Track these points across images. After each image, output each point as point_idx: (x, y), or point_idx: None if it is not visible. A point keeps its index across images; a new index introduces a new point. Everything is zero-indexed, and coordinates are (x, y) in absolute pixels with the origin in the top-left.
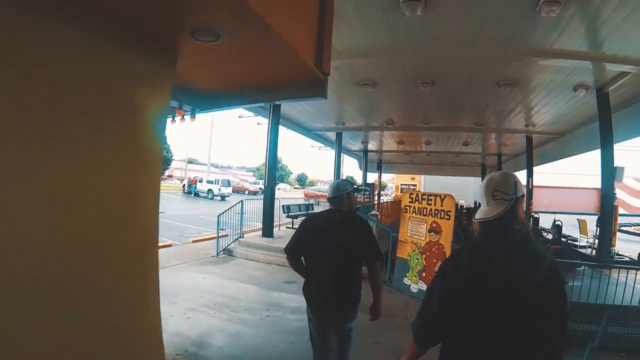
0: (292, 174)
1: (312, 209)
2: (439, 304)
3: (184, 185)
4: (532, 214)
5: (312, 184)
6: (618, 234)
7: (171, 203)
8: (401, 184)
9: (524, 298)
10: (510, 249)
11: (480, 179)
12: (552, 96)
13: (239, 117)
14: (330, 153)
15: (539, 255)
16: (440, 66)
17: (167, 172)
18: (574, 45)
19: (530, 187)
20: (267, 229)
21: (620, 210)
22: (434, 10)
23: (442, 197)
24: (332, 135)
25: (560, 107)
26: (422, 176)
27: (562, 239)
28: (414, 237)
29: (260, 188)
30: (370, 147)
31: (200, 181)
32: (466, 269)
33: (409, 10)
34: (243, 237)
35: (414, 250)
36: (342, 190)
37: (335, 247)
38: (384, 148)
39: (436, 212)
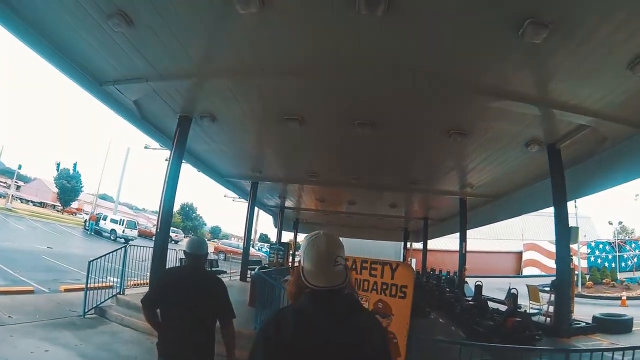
0: (206, 225)
1: (217, 265)
2: None
3: (85, 220)
4: (466, 280)
5: (225, 237)
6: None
7: (66, 239)
8: None
9: None
10: (342, 320)
11: (401, 243)
12: (503, 151)
13: (145, 147)
14: (245, 206)
15: (367, 326)
16: (384, 102)
17: (76, 205)
18: (526, 89)
19: (464, 251)
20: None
21: (537, 271)
22: (395, 12)
23: (394, 267)
24: (247, 185)
25: (508, 164)
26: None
27: (519, 309)
28: None
29: (169, 236)
30: (288, 203)
31: (104, 219)
32: (291, 337)
33: (366, 9)
34: (123, 293)
35: None
36: (206, 250)
37: (193, 304)
38: (303, 205)
39: (384, 287)
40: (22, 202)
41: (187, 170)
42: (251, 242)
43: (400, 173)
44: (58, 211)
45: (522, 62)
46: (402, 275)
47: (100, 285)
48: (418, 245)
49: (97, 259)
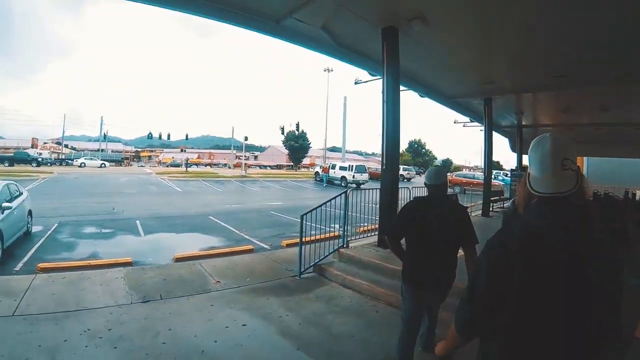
0: (436, 158)
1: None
2: (485, 284)
3: (316, 172)
4: None
5: (457, 169)
6: None
7: (298, 192)
8: None
9: (583, 284)
10: (570, 228)
11: None
12: None
13: (355, 83)
14: (477, 132)
15: (599, 236)
16: None
17: (307, 161)
18: None
19: None
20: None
21: None
22: None
23: None
24: (479, 104)
25: None
26: (586, 159)
27: None
28: None
29: (400, 175)
30: (525, 120)
31: (333, 167)
32: (515, 247)
33: None
34: (347, 246)
35: None
36: (444, 178)
37: (438, 232)
38: (542, 121)
39: None
40: (260, 168)
41: (409, 100)
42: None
43: None
44: (293, 169)
45: None
46: None
47: (322, 236)
48: None
49: (309, 212)
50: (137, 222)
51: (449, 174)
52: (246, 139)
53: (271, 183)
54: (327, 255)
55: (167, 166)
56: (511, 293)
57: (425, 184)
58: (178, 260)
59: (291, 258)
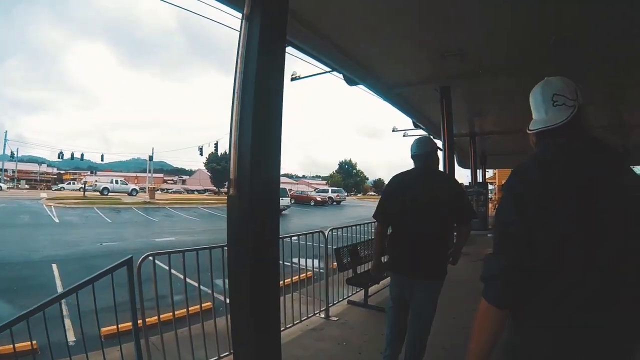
0: (368, 179)
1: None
2: (514, 221)
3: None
4: None
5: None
6: None
7: (203, 223)
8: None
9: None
10: (579, 156)
11: None
12: None
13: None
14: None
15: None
16: None
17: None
18: None
19: None
20: None
21: None
22: None
23: None
24: (430, 96)
25: None
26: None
27: None
28: None
29: (329, 197)
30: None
31: None
32: (533, 175)
33: None
34: None
35: None
36: (435, 146)
37: (427, 207)
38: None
39: None
40: (188, 192)
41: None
42: None
43: None
44: (216, 194)
45: None
46: None
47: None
48: None
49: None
50: None
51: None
52: (151, 158)
53: (178, 211)
54: None
55: (80, 190)
56: (541, 227)
57: (411, 156)
58: None
59: None
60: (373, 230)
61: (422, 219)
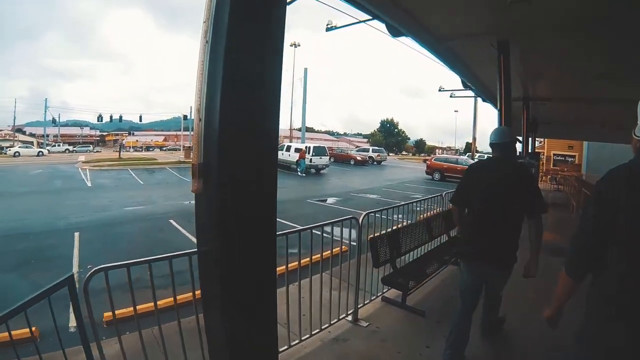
0: (409, 139)
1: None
2: (594, 222)
3: None
4: None
5: (430, 150)
6: None
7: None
8: (554, 155)
9: None
10: None
11: None
12: None
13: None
14: (450, 111)
15: None
16: None
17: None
18: None
19: None
20: None
21: None
22: None
23: None
24: (483, 52)
25: None
26: (586, 144)
27: None
28: None
29: (370, 157)
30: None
31: (288, 150)
32: (622, 176)
33: None
34: None
35: None
36: (512, 137)
37: (502, 197)
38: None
39: None
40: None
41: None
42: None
43: None
44: None
45: None
46: None
47: None
48: None
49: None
50: None
51: (424, 155)
52: (186, 117)
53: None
54: None
55: (128, 150)
56: (620, 217)
57: (490, 144)
58: None
59: None
60: (419, 209)
61: (500, 208)
